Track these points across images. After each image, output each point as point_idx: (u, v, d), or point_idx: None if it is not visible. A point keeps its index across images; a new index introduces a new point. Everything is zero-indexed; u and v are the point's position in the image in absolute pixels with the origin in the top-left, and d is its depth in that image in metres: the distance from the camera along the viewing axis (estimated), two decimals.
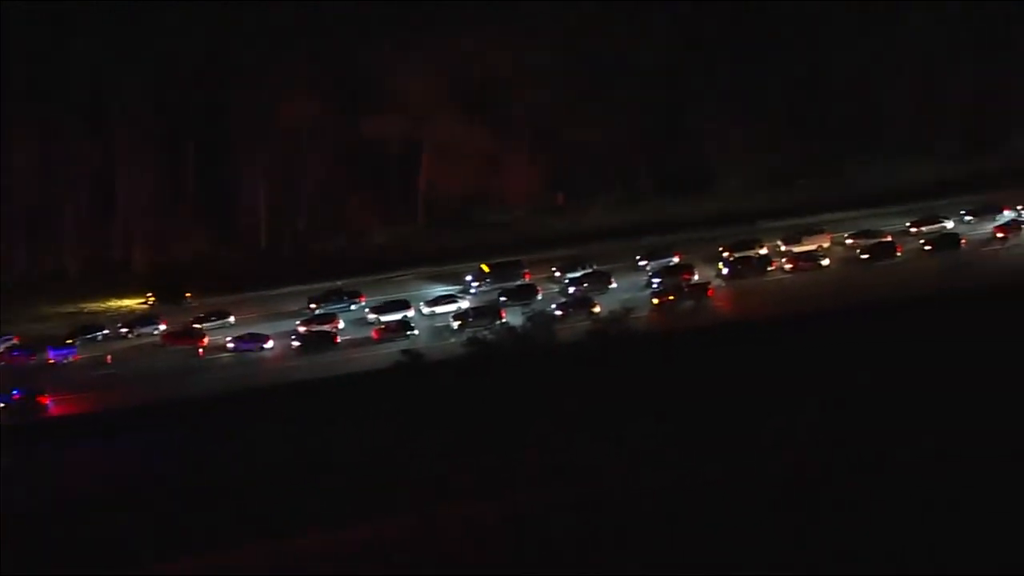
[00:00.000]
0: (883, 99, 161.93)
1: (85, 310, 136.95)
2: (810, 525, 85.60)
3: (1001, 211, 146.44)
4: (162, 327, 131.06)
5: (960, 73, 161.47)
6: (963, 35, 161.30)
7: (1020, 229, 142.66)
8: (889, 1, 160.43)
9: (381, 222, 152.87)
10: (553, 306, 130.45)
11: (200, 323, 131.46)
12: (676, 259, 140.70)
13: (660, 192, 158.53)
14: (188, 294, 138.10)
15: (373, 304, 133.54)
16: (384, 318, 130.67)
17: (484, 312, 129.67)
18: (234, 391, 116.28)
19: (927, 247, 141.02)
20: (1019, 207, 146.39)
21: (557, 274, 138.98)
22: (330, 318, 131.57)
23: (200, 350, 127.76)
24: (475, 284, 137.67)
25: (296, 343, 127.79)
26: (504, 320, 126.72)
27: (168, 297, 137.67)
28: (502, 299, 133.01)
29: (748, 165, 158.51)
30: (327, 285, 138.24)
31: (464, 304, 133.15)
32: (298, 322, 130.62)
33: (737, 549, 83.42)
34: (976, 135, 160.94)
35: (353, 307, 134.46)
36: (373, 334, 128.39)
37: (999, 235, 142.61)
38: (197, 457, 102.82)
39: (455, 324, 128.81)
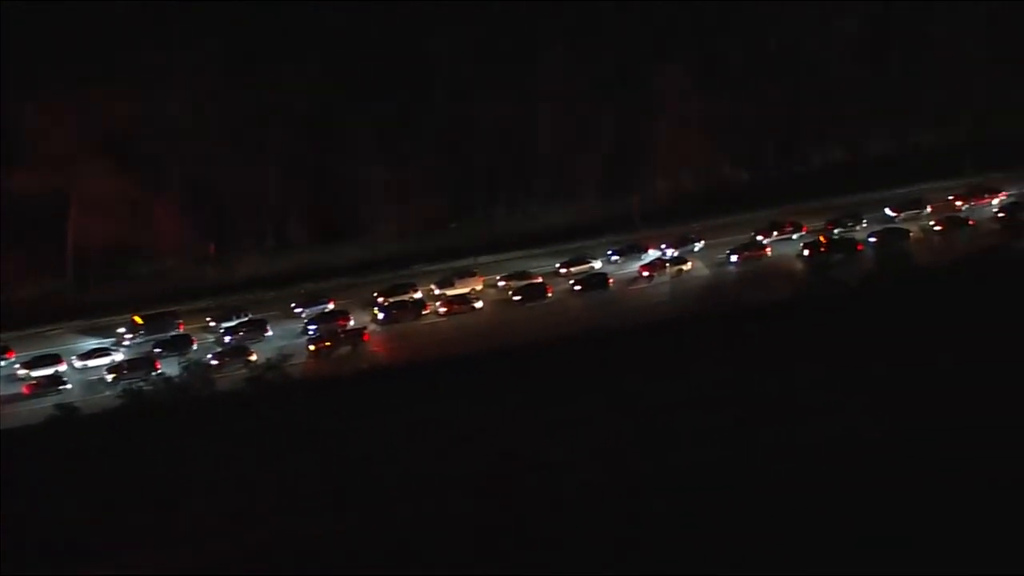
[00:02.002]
0: (529, 144, 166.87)
1: None
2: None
3: (646, 250, 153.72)
4: None
5: (603, 118, 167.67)
6: (606, 80, 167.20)
7: (664, 267, 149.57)
8: (533, 46, 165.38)
9: (29, 276, 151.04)
10: (209, 356, 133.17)
11: None
12: (331, 305, 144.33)
13: (314, 239, 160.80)
14: None
15: (23, 359, 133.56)
16: (35, 373, 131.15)
17: (138, 364, 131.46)
18: None
19: (576, 287, 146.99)
20: (662, 246, 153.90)
21: (212, 324, 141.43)
22: None
23: None
24: (128, 336, 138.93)
25: None
26: (159, 371, 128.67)
27: None
28: (156, 350, 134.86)
29: (400, 211, 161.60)
30: None
31: (118, 356, 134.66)
32: None
33: None
34: (619, 177, 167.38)
35: (2, 363, 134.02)
36: (24, 389, 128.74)
37: (644, 274, 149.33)
38: None
39: (110, 377, 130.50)
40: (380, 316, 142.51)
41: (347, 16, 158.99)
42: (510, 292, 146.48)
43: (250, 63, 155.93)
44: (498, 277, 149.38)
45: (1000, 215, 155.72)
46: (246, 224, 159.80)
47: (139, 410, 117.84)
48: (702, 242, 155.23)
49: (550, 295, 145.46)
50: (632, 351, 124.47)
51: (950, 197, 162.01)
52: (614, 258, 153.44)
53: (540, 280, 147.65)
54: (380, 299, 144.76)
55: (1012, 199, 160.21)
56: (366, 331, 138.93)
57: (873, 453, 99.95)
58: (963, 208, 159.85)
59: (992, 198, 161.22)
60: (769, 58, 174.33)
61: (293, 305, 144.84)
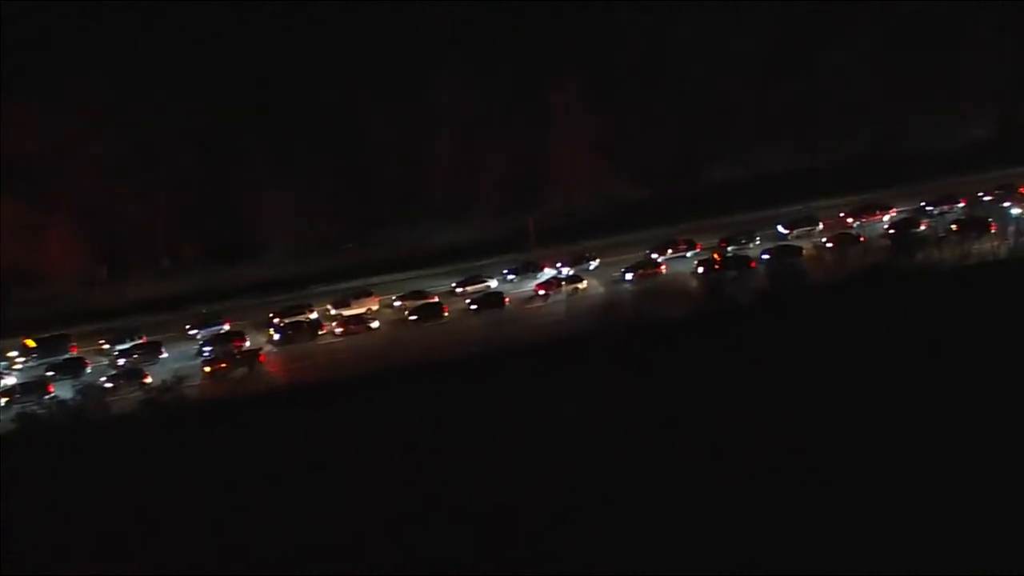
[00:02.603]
0: (423, 163, 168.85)
1: None
2: None
3: (541, 269, 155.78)
4: None
5: (498, 136, 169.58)
6: (501, 99, 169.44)
7: (560, 286, 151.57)
8: (427, 65, 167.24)
9: None
10: (103, 378, 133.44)
11: None
12: (227, 327, 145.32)
13: (207, 260, 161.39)
14: None
15: None
16: None
17: (31, 388, 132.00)
18: None
19: (473, 306, 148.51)
20: (558, 264, 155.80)
21: (106, 346, 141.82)
22: None
23: None
24: (21, 360, 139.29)
25: None
26: (53, 395, 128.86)
27: None
28: (49, 374, 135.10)
29: (295, 231, 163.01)
30: None
31: (10, 380, 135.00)
32: None
33: None
34: (515, 196, 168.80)
35: None
36: None
37: (540, 292, 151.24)
38: None
39: (2, 401, 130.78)
40: (276, 337, 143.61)
41: (240, 36, 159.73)
42: (406, 312, 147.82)
43: (143, 84, 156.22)
44: (394, 297, 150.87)
45: (890, 232, 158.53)
46: (139, 246, 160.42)
47: (33, 433, 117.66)
48: (598, 260, 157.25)
49: (446, 314, 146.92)
50: (526, 369, 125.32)
51: (841, 214, 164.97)
52: (510, 277, 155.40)
53: (436, 299, 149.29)
54: (276, 320, 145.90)
55: (902, 216, 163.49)
56: (262, 352, 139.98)
57: (756, 472, 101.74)
58: (854, 225, 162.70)
59: (882, 215, 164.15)
60: (663, 76, 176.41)
61: (188, 327, 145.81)
